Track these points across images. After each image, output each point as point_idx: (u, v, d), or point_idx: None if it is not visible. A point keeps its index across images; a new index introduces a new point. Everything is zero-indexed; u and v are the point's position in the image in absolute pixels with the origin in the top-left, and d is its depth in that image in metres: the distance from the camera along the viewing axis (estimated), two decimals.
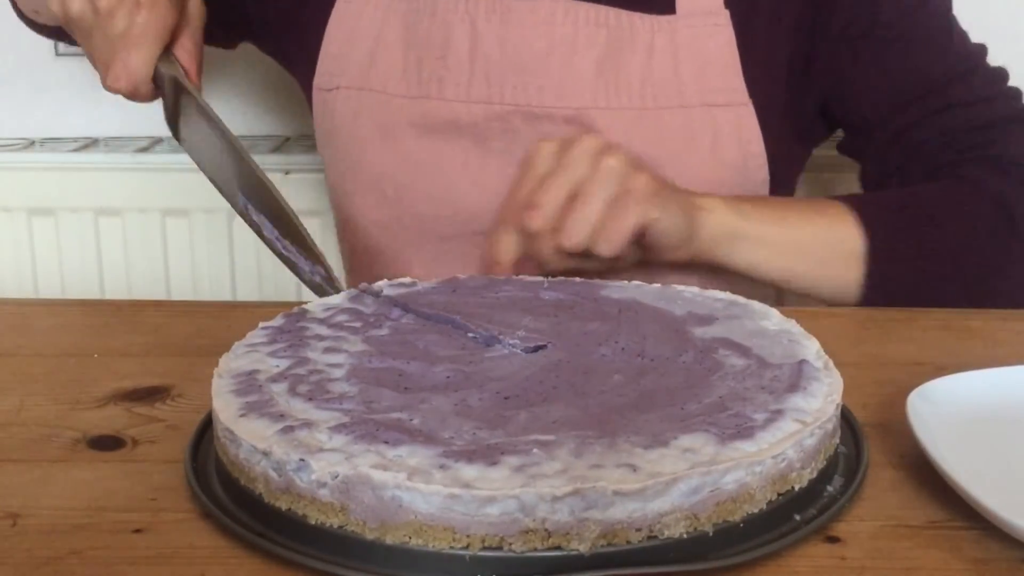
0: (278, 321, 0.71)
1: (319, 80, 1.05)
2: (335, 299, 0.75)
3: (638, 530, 0.51)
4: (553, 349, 0.66)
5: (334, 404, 0.59)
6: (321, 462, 0.53)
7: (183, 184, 1.35)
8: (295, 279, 1.39)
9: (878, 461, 0.63)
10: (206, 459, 0.62)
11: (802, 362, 0.63)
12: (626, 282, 0.79)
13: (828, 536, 0.56)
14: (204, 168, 0.87)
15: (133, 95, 0.87)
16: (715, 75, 0.97)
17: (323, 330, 0.69)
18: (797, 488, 0.56)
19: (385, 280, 0.78)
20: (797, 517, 0.55)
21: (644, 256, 0.87)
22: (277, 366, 0.64)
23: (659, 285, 0.78)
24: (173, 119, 0.87)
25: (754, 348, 0.66)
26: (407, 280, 0.78)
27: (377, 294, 0.75)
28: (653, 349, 0.66)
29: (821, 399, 0.60)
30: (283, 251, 0.80)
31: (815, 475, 0.57)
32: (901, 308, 0.88)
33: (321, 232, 1.32)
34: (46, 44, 1.47)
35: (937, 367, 0.69)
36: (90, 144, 1.41)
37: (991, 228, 0.94)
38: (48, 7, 0.91)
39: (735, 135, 0.97)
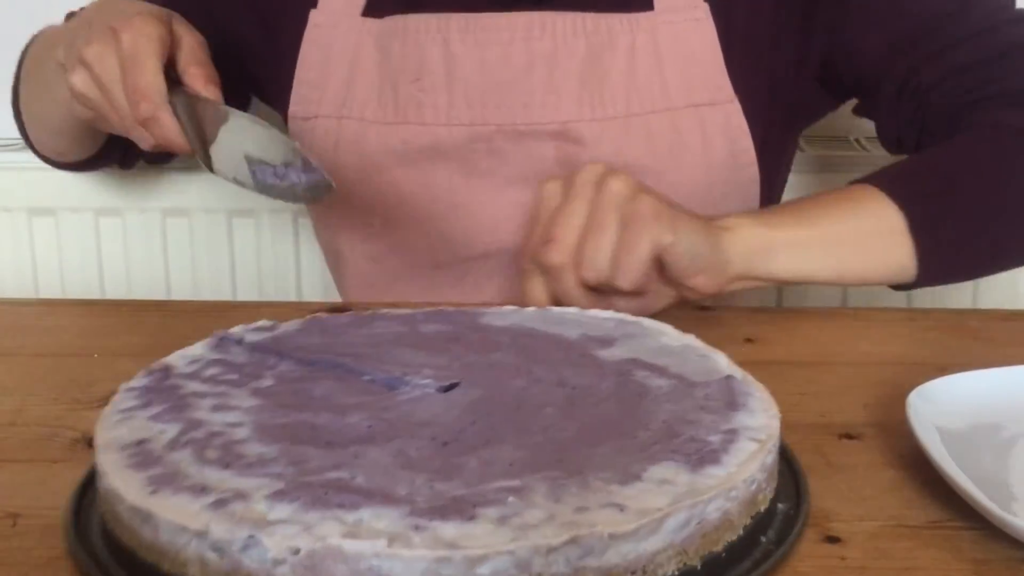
0: (141, 380, 0.63)
1: (295, 109, 1.00)
2: (196, 350, 0.68)
3: (633, 573, 0.48)
4: (467, 386, 0.62)
5: (257, 469, 0.52)
6: (274, 537, 0.47)
7: (183, 184, 1.34)
8: (295, 279, 1.40)
9: (878, 461, 0.63)
10: (84, 537, 0.54)
11: (728, 378, 0.62)
12: (503, 307, 0.75)
13: (828, 536, 0.55)
14: (241, 183, 0.82)
15: (162, 131, 0.81)
16: (699, 73, 0.94)
17: (198, 386, 0.62)
18: (763, 509, 0.54)
19: (242, 325, 0.71)
20: (763, 539, 0.54)
21: (676, 292, 0.83)
22: (164, 431, 0.57)
23: (534, 308, 0.75)
24: (204, 151, 0.81)
25: (670, 367, 0.64)
26: (266, 323, 0.72)
27: (239, 341, 0.69)
28: (571, 377, 0.63)
29: (762, 414, 0.58)
30: (278, 180, 0.76)
31: (773, 494, 0.56)
32: (901, 308, 0.88)
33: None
34: None
35: (937, 367, 0.69)
36: None
37: (1021, 165, 0.88)
38: (72, 111, 0.87)
39: (723, 134, 0.95)
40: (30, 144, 1.09)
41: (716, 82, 0.95)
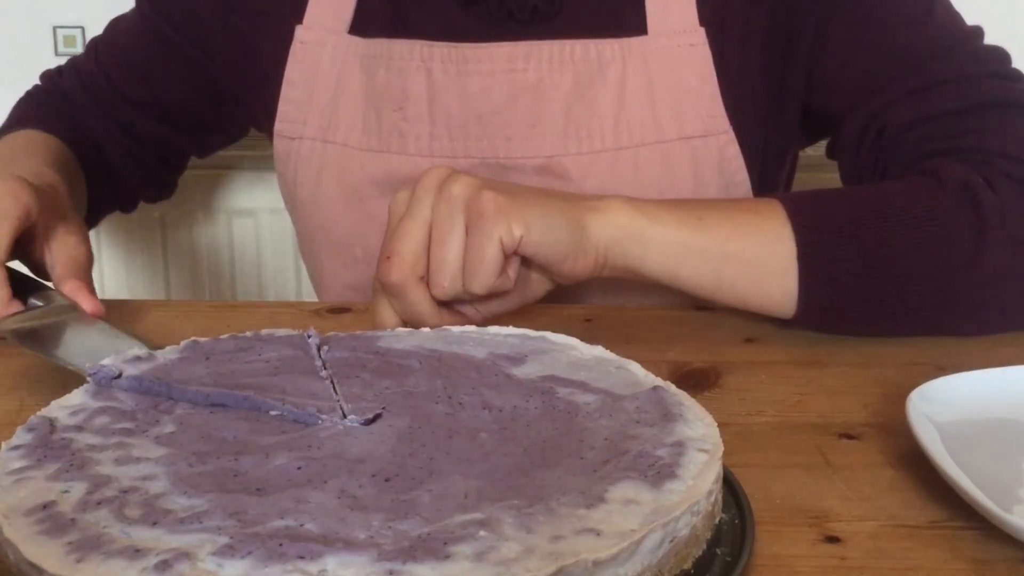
0: (24, 438, 0.57)
1: (281, 127, 0.98)
2: (75, 398, 0.62)
3: None
4: (390, 416, 0.58)
5: (191, 524, 0.48)
6: None
7: (182, 184, 1.33)
8: (295, 280, 1.41)
9: (878, 461, 0.63)
10: None
11: (656, 389, 0.60)
12: (398, 330, 0.72)
13: (828, 536, 0.55)
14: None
15: None
16: (692, 103, 0.90)
17: (90, 439, 0.57)
18: (719, 520, 0.53)
19: (112, 355, 0.65)
20: (718, 552, 0.52)
21: (549, 278, 0.79)
22: (68, 491, 0.51)
23: (428, 329, 0.72)
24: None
25: (589, 382, 0.62)
26: (142, 352, 0.66)
27: (117, 375, 0.63)
28: (493, 399, 0.60)
29: (700, 424, 0.57)
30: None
31: (721, 504, 0.55)
32: None
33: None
34: (46, 44, 1.47)
35: (937, 367, 0.69)
36: None
37: (950, 230, 0.78)
38: None
39: (716, 167, 0.91)
40: None
41: (709, 112, 0.91)
